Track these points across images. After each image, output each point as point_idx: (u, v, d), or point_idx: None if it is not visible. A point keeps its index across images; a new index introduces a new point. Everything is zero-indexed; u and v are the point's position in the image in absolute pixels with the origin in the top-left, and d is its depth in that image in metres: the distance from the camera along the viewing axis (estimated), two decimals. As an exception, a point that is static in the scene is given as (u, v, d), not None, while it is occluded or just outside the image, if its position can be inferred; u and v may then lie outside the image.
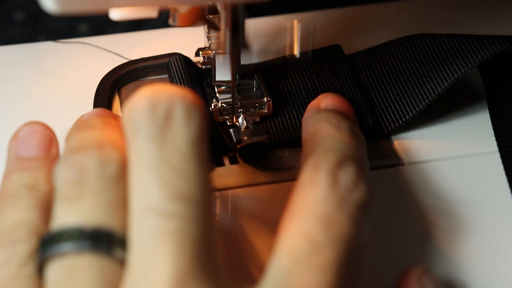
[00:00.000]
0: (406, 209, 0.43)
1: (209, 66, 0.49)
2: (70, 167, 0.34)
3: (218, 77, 0.47)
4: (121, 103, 0.49)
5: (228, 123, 0.47)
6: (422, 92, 0.47)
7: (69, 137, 0.37)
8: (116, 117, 0.39)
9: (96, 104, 0.48)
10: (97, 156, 0.34)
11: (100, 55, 0.53)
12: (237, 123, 0.47)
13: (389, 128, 0.47)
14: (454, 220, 0.43)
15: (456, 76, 0.46)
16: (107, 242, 0.32)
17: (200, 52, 0.49)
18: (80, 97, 0.50)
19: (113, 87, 0.49)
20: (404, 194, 0.44)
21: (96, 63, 0.53)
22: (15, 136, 0.39)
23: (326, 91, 0.49)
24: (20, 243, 0.34)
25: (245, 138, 0.45)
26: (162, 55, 0.51)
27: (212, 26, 0.45)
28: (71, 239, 0.32)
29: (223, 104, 0.47)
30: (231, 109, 0.47)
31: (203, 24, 0.44)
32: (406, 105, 0.48)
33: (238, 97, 0.47)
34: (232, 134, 0.46)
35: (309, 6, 0.58)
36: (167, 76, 0.50)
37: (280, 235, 0.34)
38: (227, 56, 0.46)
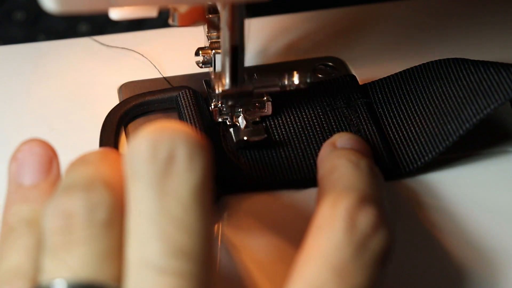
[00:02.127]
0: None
1: (209, 65, 0.49)
2: (57, 211, 0.32)
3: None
4: (128, 139, 0.47)
5: (228, 123, 0.47)
6: (443, 131, 0.44)
7: (65, 173, 0.35)
8: (117, 152, 0.36)
9: (102, 141, 0.46)
10: (86, 199, 0.32)
11: (100, 55, 0.53)
12: (236, 123, 0.47)
13: (407, 169, 0.45)
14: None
15: (481, 115, 0.43)
16: None
17: (200, 52, 0.49)
18: (80, 97, 0.50)
19: (119, 122, 0.47)
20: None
21: (96, 63, 0.53)
22: (14, 157, 0.37)
23: (340, 126, 0.47)
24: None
25: (244, 138, 0.45)
26: (170, 88, 0.49)
27: (212, 26, 0.45)
28: None
29: (222, 104, 0.47)
30: (231, 109, 0.47)
31: (203, 24, 0.44)
32: (425, 145, 0.45)
33: (238, 97, 0.47)
34: (232, 134, 0.46)
35: (309, 5, 0.58)
36: (175, 110, 0.49)
37: (290, 281, 0.33)
38: (227, 56, 0.46)
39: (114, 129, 0.46)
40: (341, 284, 0.31)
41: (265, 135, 0.46)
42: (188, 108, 0.47)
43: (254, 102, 0.47)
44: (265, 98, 0.47)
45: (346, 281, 0.32)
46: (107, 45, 0.54)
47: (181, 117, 0.47)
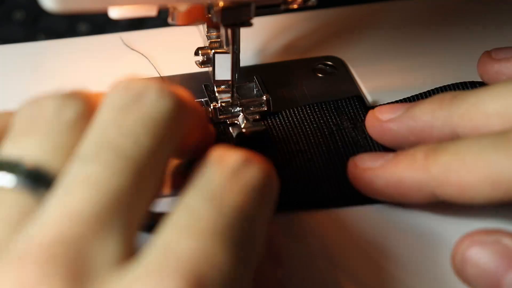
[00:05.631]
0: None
1: (208, 65, 0.49)
2: (31, 103, 0.35)
3: (218, 77, 0.47)
4: None
5: (228, 122, 0.47)
6: None
7: None
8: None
9: None
10: (61, 99, 0.35)
11: (100, 54, 0.53)
12: (236, 122, 0.47)
13: None
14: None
15: None
16: (35, 181, 0.32)
17: (200, 52, 0.49)
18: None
19: None
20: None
21: (96, 63, 0.53)
22: None
23: (347, 148, 0.46)
24: None
25: (243, 130, 0.45)
26: None
27: (212, 25, 0.45)
28: (1, 170, 0.32)
29: (222, 104, 0.47)
30: (231, 108, 0.47)
31: (203, 23, 0.44)
32: None
33: (238, 96, 0.47)
34: (232, 132, 0.46)
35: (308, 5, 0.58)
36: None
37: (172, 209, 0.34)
38: (227, 55, 0.46)
39: None
40: (215, 206, 0.32)
41: (264, 127, 0.46)
42: None
43: (254, 100, 0.47)
44: (264, 96, 0.47)
45: (220, 203, 0.32)
46: (131, 47, 0.54)
47: None
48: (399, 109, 0.44)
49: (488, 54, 0.47)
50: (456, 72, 0.52)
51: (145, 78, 0.35)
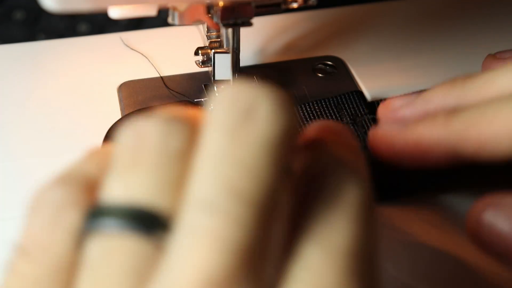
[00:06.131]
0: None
1: (208, 65, 0.49)
2: (132, 131, 0.31)
3: (218, 77, 0.47)
4: None
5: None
6: None
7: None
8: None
9: None
10: (163, 125, 0.31)
11: (100, 54, 0.53)
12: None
13: (413, 187, 0.43)
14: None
15: None
16: (151, 224, 0.30)
17: (200, 51, 0.49)
18: (79, 96, 0.50)
19: None
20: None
21: (96, 62, 0.53)
22: None
23: None
24: (70, 186, 0.32)
25: None
26: (172, 103, 0.49)
27: (212, 25, 0.45)
28: (114, 216, 0.30)
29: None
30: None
31: (203, 23, 0.44)
32: None
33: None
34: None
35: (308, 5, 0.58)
36: None
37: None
38: (227, 55, 0.46)
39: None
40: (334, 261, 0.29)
41: None
42: None
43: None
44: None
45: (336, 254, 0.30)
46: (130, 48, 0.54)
47: None
48: (411, 96, 0.44)
49: (492, 55, 0.47)
50: (456, 72, 0.52)
51: (251, 84, 0.31)
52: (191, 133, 0.31)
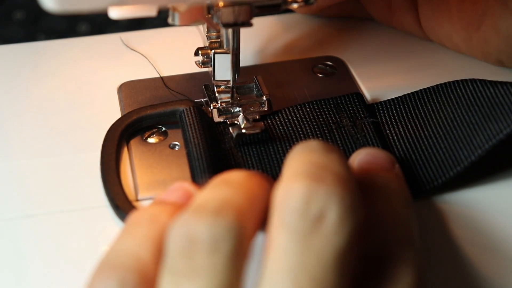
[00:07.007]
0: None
1: (208, 65, 0.49)
2: (182, 232, 0.31)
3: (218, 77, 0.47)
4: (129, 151, 0.47)
5: (228, 122, 0.47)
6: (454, 156, 0.43)
7: (204, 189, 0.34)
8: (268, 180, 0.35)
9: (103, 156, 0.45)
10: (212, 226, 0.31)
11: (100, 54, 0.53)
12: (236, 122, 0.47)
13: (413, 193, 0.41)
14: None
15: (493, 141, 0.41)
16: None
17: (200, 52, 0.49)
18: (79, 96, 0.50)
19: (120, 137, 0.46)
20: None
21: (96, 62, 0.53)
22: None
23: (346, 145, 0.45)
24: (126, 271, 0.32)
25: (243, 131, 0.45)
26: (172, 102, 0.48)
27: (212, 25, 0.45)
28: None
29: (222, 104, 0.47)
30: (231, 109, 0.47)
31: (203, 23, 0.44)
32: (434, 170, 0.43)
33: (238, 96, 0.47)
34: (232, 132, 0.46)
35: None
36: (177, 122, 0.48)
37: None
38: (227, 55, 0.46)
39: (115, 144, 0.46)
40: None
41: (264, 127, 0.45)
42: (193, 127, 0.46)
43: (254, 101, 0.48)
44: (264, 96, 0.47)
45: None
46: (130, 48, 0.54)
47: (185, 135, 0.46)
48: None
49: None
50: (455, 72, 0.52)
51: (316, 180, 0.31)
52: (243, 229, 0.32)
